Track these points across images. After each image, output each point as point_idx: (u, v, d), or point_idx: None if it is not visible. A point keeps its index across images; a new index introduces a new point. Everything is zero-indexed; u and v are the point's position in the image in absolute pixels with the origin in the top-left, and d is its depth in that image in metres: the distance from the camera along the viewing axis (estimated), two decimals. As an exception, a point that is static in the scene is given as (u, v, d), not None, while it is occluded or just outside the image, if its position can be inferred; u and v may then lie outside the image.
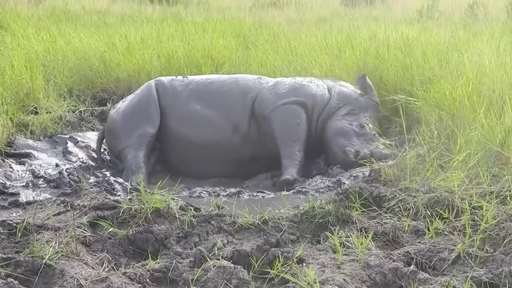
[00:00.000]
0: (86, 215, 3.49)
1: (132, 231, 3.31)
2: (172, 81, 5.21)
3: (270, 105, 4.97)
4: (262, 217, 3.46)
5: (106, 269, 3.00)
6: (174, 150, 4.98)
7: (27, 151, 5.12)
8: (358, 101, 5.15)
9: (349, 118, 5.01)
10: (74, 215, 3.42)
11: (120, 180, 4.35)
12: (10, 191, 4.41)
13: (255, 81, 5.17)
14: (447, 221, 3.40)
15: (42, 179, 4.65)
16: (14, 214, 3.91)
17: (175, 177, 4.55)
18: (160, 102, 5.05)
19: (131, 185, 4.17)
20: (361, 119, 5.01)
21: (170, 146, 5.00)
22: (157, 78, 5.31)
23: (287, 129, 4.88)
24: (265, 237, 3.29)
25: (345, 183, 4.33)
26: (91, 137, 5.62)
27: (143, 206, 3.48)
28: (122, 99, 5.42)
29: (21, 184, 4.58)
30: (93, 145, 5.37)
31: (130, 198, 3.65)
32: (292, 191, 4.42)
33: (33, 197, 4.26)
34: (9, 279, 2.78)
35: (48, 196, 4.25)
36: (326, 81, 5.30)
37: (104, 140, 5.25)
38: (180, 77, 5.33)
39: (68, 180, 4.56)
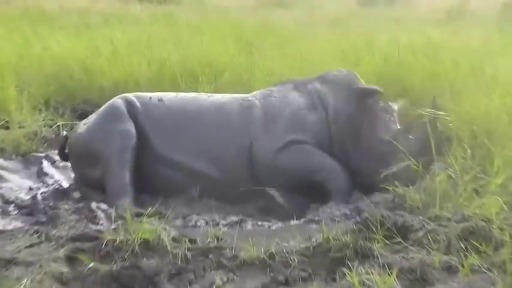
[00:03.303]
0: (62, 247, 3.47)
1: (117, 266, 3.28)
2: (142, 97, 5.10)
3: None
4: (268, 250, 3.44)
5: (86, 312, 2.99)
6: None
7: (-4, 172, 5.12)
8: None
9: None
10: (49, 248, 3.41)
11: (103, 206, 4.34)
12: (-25, 218, 4.40)
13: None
14: (484, 255, 3.36)
15: (12, 205, 4.63)
16: (-20, 246, 3.90)
17: (166, 203, 4.52)
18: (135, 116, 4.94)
19: (116, 212, 4.15)
20: None
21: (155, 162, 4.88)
22: (122, 95, 5.17)
23: None
24: (271, 274, 3.27)
25: (364, 210, 4.30)
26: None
27: (130, 237, 3.47)
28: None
29: (-12, 211, 4.57)
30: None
31: (115, 228, 3.64)
32: (303, 219, 4.40)
33: (2, 226, 4.22)
34: (-27, 324, 2.77)
35: (20, 225, 4.22)
36: None
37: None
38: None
39: (43, 206, 4.54)
